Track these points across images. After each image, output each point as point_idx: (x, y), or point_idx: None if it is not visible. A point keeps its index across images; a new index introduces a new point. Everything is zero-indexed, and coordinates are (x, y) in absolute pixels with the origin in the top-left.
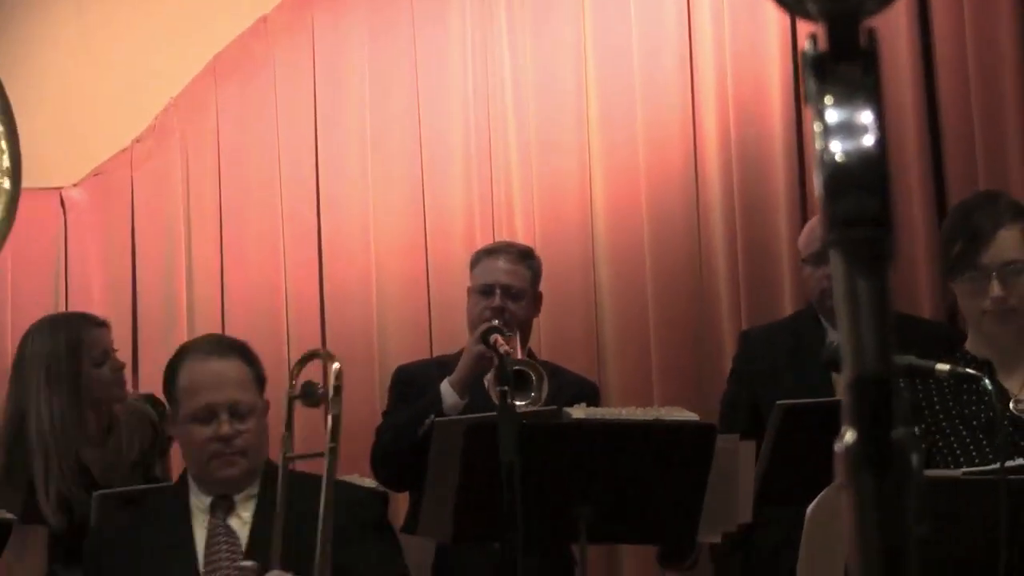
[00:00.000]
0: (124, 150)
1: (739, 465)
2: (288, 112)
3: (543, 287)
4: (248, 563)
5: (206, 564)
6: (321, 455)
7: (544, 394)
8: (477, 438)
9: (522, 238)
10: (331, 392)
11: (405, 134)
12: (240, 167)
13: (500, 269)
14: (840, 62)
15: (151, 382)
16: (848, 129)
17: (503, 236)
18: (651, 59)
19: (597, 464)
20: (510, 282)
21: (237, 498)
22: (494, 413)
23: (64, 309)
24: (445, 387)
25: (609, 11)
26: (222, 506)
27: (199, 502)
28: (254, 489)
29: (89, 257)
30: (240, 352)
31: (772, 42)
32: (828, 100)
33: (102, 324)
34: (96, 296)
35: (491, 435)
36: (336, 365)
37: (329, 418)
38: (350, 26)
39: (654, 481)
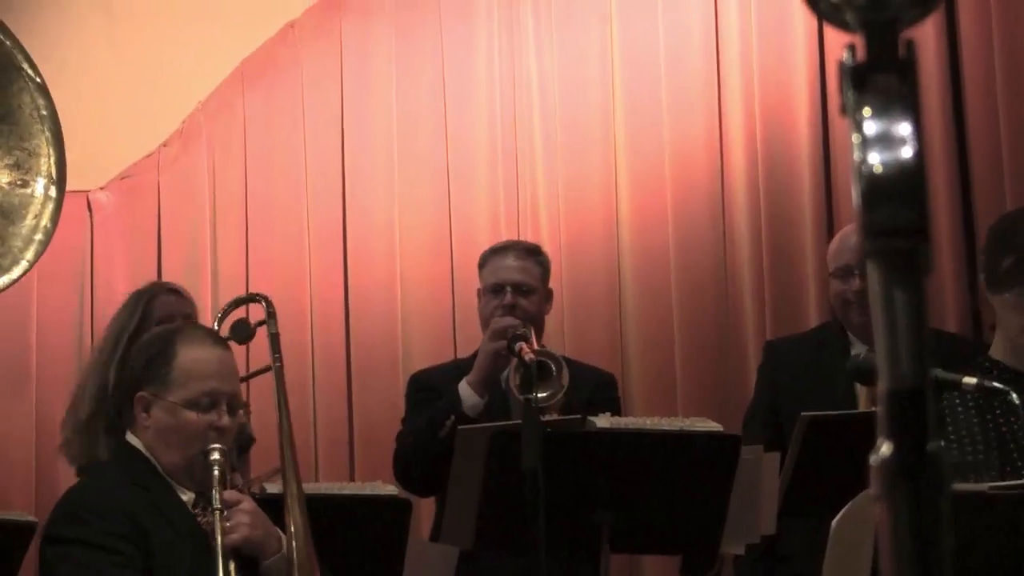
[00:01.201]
0: (151, 154)
1: (763, 476)
2: (315, 116)
3: (567, 291)
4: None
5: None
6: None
7: (565, 382)
8: (501, 445)
9: (547, 243)
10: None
11: (431, 138)
12: (266, 171)
13: (509, 267)
14: (878, 73)
15: None
16: (886, 140)
17: (529, 238)
18: (677, 63)
19: (620, 473)
20: (520, 279)
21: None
22: (518, 420)
23: (90, 312)
24: (464, 387)
25: (636, 15)
26: (203, 502)
27: (180, 493)
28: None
29: (115, 260)
30: (229, 346)
31: (799, 50)
32: (866, 111)
33: (173, 291)
34: (121, 298)
35: (515, 442)
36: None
37: (268, 337)
38: (377, 31)
39: (678, 491)
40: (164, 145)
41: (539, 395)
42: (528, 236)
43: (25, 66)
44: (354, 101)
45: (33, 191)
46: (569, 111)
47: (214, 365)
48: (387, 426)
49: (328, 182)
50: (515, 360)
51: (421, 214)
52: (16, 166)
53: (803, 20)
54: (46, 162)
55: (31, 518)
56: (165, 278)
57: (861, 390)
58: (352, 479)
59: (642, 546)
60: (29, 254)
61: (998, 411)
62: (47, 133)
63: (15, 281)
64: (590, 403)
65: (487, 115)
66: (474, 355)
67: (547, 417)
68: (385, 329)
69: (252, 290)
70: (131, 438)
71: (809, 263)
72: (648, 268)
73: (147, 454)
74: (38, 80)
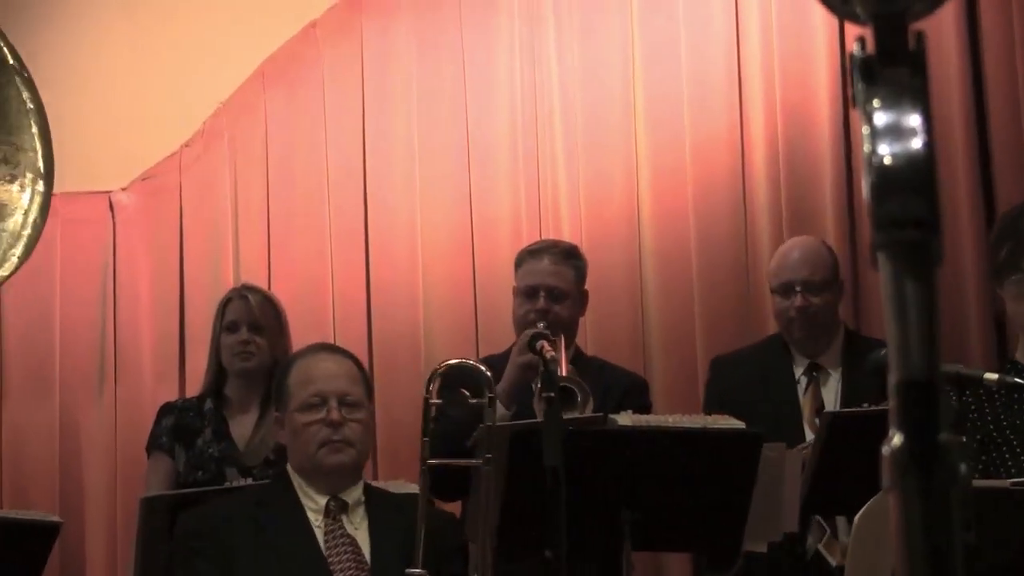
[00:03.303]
0: (173, 154)
1: (785, 474)
2: (336, 116)
3: (589, 288)
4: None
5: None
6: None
7: (588, 411)
8: (523, 444)
9: (568, 239)
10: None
11: (452, 137)
12: (288, 171)
13: (544, 270)
14: (888, 65)
15: (198, 385)
16: (896, 132)
17: (549, 236)
18: (699, 62)
19: (643, 471)
20: (554, 284)
21: (350, 501)
22: (540, 420)
23: (112, 312)
24: None
25: (657, 14)
26: (337, 510)
27: (310, 501)
28: (360, 495)
29: (137, 260)
30: (351, 356)
31: (820, 44)
32: (876, 103)
33: (242, 295)
34: (144, 299)
35: (537, 441)
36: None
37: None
38: (399, 30)
39: (699, 489)
40: (186, 145)
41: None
42: (549, 234)
43: (11, 60)
44: (375, 100)
45: (21, 186)
46: (590, 108)
47: (319, 371)
48: (409, 424)
49: (350, 181)
50: (539, 385)
51: (442, 212)
52: (4, 161)
53: (823, 16)
54: (33, 156)
55: (55, 519)
56: (187, 279)
57: (805, 402)
58: (375, 477)
59: (664, 544)
60: (18, 251)
61: (1016, 407)
62: (34, 128)
63: (6, 279)
64: (620, 408)
65: (508, 113)
66: (505, 353)
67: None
68: (407, 327)
69: (276, 291)
70: None
71: (834, 252)
72: (669, 266)
73: (290, 470)
74: (25, 74)
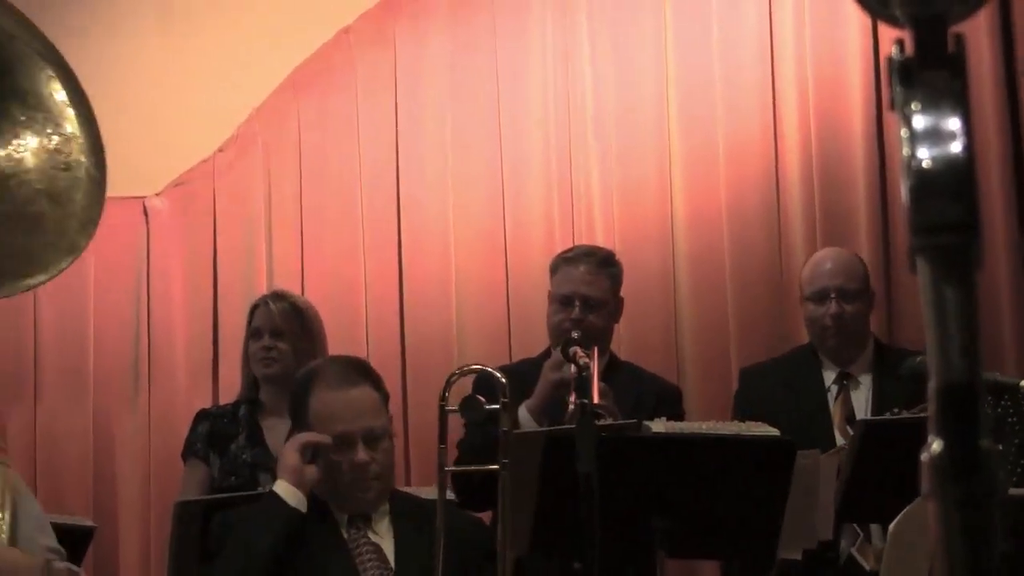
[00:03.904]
0: (206, 160)
1: (820, 481)
2: (369, 122)
3: (624, 296)
4: None
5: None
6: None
7: None
8: (555, 450)
9: (601, 243)
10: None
11: (485, 141)
12: (321, 176)
13: (580, 279)
14: (927, 68)
15: (231, 390)
16: (935, 135)
17: (582, 241)
18: (732, 66)
19: (676, 478)
20: (590, 293)
21: (374, 513)
22: (573, 425)
23: (147, 317)
24: (523, 413)
25: (690, 19)
26: (360, 521)
27: (336, 516)
28: (385, 505)
29: (171, 265)
30: (369, 377)
31: (853, 49)
32: (915, 106)
33: (266, 303)
34: (178, 304)
35: (569, 447)
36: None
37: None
38: (431, 36)
39: (733, 496)
40: (219, 151)
41: None
42: (582, 238)
43: (45, 54)
44: (408, 106)
45: (76, 174)
46: (623, 111)
47: (342, 407)
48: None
49: (382, 186)
50: (572, 377)
51: (475, 215)
52: (57, 151)
53: (857, 19)
54: (83, 144)
55: (90, 523)
56: (221, 284)
57: (836, 410)
58: (408, 481)
59: (698, 551)
60: (84, 239)
61: None
62: (80, 116)
63: (69, 265)
64: (653, 416)
65: (541, 116)
66: (540, 356)
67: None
68: (440, 330)
69: (309, 296)
70: None
71: (865, 259)
72: (703, 270)
73: None
74: (63, 68)
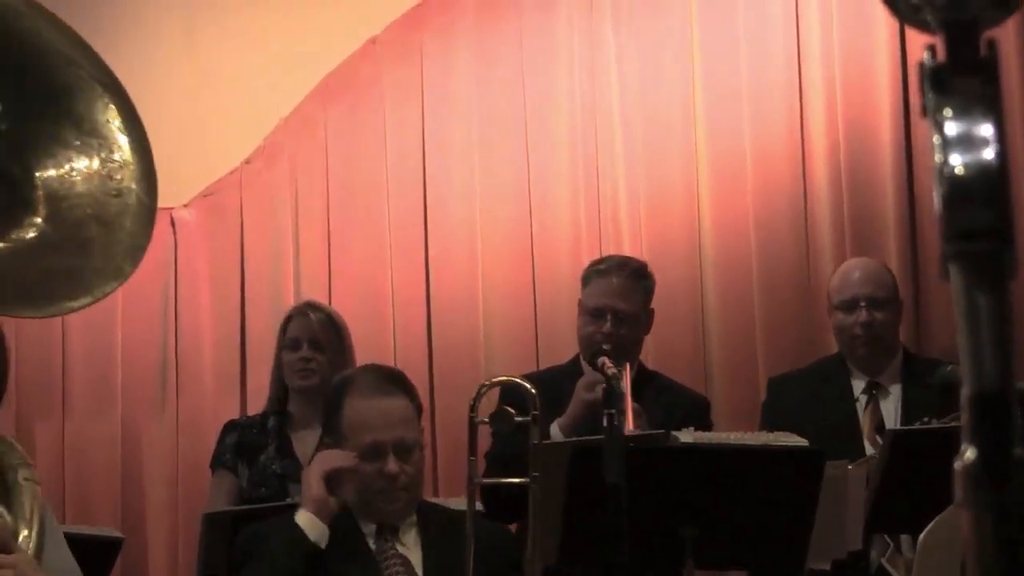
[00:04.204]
0: (234, 171)
1: (848, 491)
2: (396, 132)
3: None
4: None
5: None
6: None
7: None
8: (583, 460)
9: (628, 251)
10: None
11: (512, 149)
12: (348, 187)
13: (612, 291)
14: (959, 74)
15: (258, 399)
16: (967, 142)
17: (609, 248)
18: (759, 72)
19: (704, 488)
20: (622, 306)
21: (401, 524)
22: (601, 436)
23: (174, 327)
24: (555, 430)
25: (716, 26)
26: (388, 532)
27: (362, 524)
28: (413, 516)
29: (199, 276)
30: (403, 387)
31: (881, 53)
32: (947, 112)
33: (303, 312)
34: (205, 315)
35: (597, 458)
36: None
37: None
38: (458, 46)
39: (762, 506)
40: (247, 162)
41: None
42: (609, 245)
43: (104, 80)
44: (435, 115)
45: (127, 200)
46: (649, 118)
47: (375, 417)
48: None
49: (409, 195)
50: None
51: (502, 224)
52: (109, 176)
53: (884, 23)
54: (135, 171)
55: (118, 534)
56: (248, 295)
57: (865, 419)
58: (435, 492)
59: (727, 562)
60: (131, 264)
61: None
62: (134, 144)
63: (114, 290)
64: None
65: (567, 127)
66: (568, 364)
67: (630, 432)
68: (467, 339)
69: (336, 307)
70: None
71: (893, 267)
72: (730, 276)
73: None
74: (120, 95)
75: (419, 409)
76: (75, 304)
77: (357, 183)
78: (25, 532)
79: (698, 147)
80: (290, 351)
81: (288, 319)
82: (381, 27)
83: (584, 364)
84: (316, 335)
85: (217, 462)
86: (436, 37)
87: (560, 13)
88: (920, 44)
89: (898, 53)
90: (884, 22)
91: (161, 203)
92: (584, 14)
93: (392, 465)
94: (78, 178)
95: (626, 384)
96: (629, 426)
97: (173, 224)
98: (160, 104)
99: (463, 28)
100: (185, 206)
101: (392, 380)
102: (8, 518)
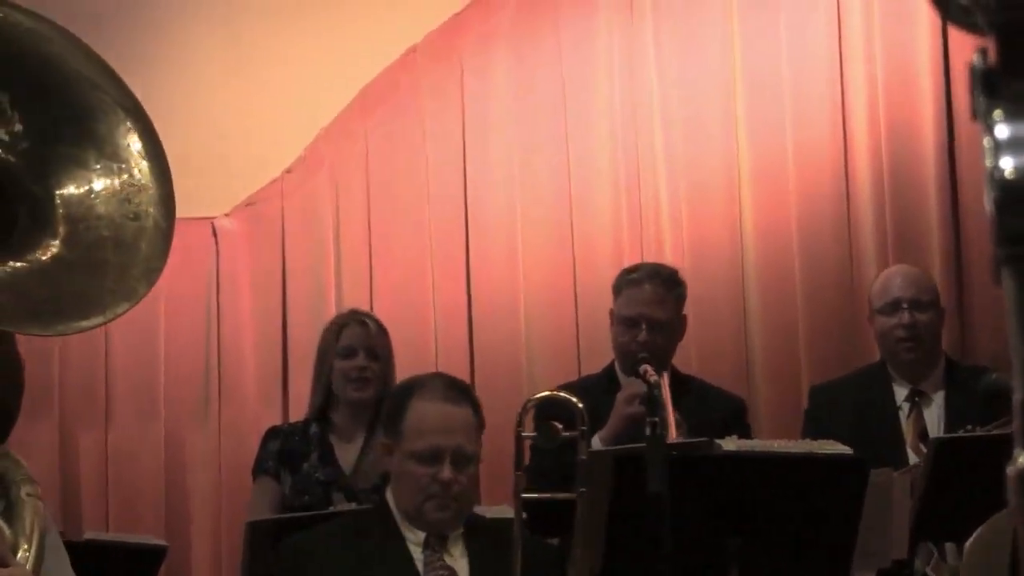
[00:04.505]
0: (275, 180)
1: (893, 499)
2: (436, 140)
3: (692, 305)
4: None
5: None
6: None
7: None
8: (626, 470)
9: (670, 255)
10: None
11: (552, 156)
12: (389, 196)
13: (645, 300)
14: (1011, 76)
15: (301, 406)
16: (1019, 145)
17: (651, 253)
18: (800, 72)
19: (748, 496)
20: (656, 314)
21: (449, 535)
22: (644, 444)
23: (216, 337)
24: (596, 443)
25: (757, 24)
26: (436, 543)
27: (410, 533)
28: (459, 530)
29: (240, 285)
30: (470, 399)
31: (923, 54)
32: (998, 115)
33: (361, 322)
34: (247, 323)
35: (640, 466)
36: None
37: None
38: (497, 54)
39: (806, 515)
40: (288, 171)
41: None
42: (651, 247)
43: (126, 104)
44: (475, 124)
45: (144, 224)
46: (690, 122)
47: (439, 421)
48: (511, 449)
49: (450, 203)
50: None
51: (543, 230)
52: (127, 200)
53: (927, 24)
54: (154, 195)
55: (162, 543)
56: (290, 303)
57: (908, 427)
58: (478, 501)
59: (771, 570)
60: (144, 287)
61: None
62: (154, 169)
63: (126, 311)
64: (721, 433)
65: (608, 130)
66: (603, 372)
67: (673, 440)
68: (509, 346)
69: (378, 315)
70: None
71: (936, 269)
72: (772, 280)
73: (388, 495)
74: (143, 120)
75: (481, 424)
76: (86, 324)
77: (398, 191)
78: (25, 547)
79: (739, 148)
80: (343, 359)
81: (340, 327)
82: (420, 36)
83: (620, 374)
84: (373, 344)
85: (260, 469)
86: (475, 45)
87: (599, 16)
88: (963, 44)
89: (940, 53)
90: (926, 22)
91: (202, 212)
92: (624, 16)
93: (447, 472)
94: (97, 200)
95: (666, 394)
96: (672, 435)
97: (215, 233)
98: (202, 114)
99: (502, 35)
100: (226, 215)
101: (459, 389)
102: (8, 533)
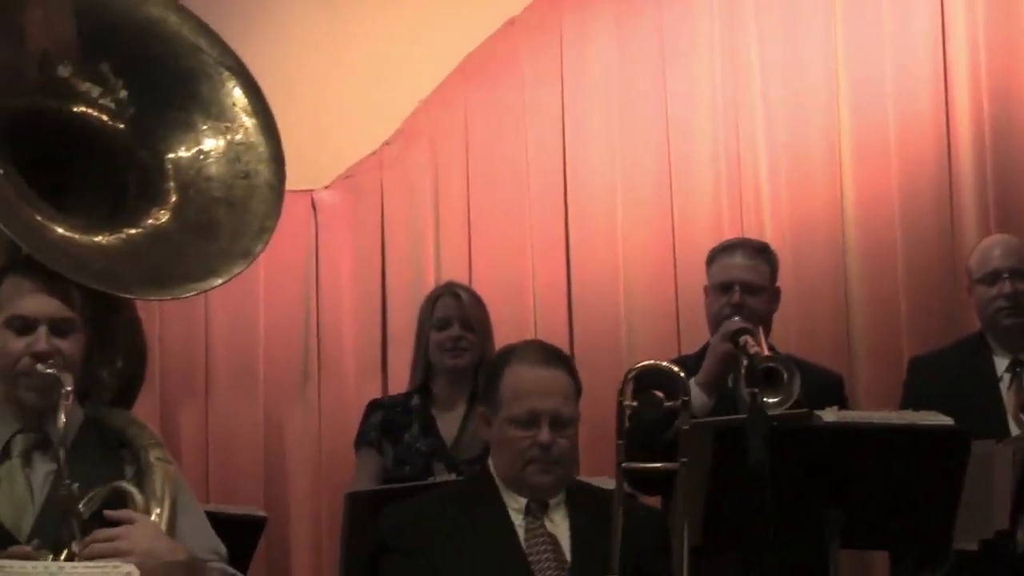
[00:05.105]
0: (374, 153)
1: (995, 470)
2: (535, 112)
3: (792, 282)
4: None
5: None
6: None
7: (796, 390)
8: (727, 441)
9: (770, 235)
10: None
11: (652, 131)
12: (488, 168)
13: (738, 265)
14: None
15: (400, 380)
16: None
17: (752, 230)
18: (903, 51)
19: (848, 468)
20: (749, 278)
21: (551, 502)
22: (744, 416)
23: (315, 310)
24: (692, 388)
25: (861, 14)
26: (537, 509)
27: (512, 500)
28: (561, 496)
29: (340, 257)
30: (566, 364)
31: None
32: None
33: (455, 294)
34: (346, 296)
35: (741, 438)
36: None
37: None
38: (597, 25)
39: (907, 486)
40: (387, 143)
41: (769, 400)
42: (751, 228)
43: (229, 64)
44: (575, 95)
45: (254, 182)
46: (791, 102)
47: (535, 385)
48: (612, 421)
49: (550, 177)
50: (744, 366)
51: (643, 208)
52: (237, 159)
53: None
54: (263, 153)
55: (262, 513)
56: (389, 276)
57: (1009, 398)
58: (577, 471)
59: (872, 542)
60: (259, 245)
61: None
62: (261, 126)
63: (241, 271)
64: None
65: (709, 106)
66: (699, 352)
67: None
68: (608, 323)
69: (477, 287)
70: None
71: None
72: (874, 257)
73: (492, 469)
74: (246, 78)
75: (579, 389)
76: (205, 285)
77: (497, 164)
78: (157, 511)
79: (841, 130)
80: (438, 330)
81: (435, 299)
82: (520, 7)
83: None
84: (467, 315)
85: (362, 441)
86: (575, 16)
87: None
88: None
89: None
90: None
91: (302, 185)
92: None
93: (546, 434)
94: (207, 161)
95: (761, 339)
96: (765, 352)
97: (314, 206)
98: (300, 87)
99: (601, 6)
100: (326, 188)
101: (556, 355)
102: (140, 499)
